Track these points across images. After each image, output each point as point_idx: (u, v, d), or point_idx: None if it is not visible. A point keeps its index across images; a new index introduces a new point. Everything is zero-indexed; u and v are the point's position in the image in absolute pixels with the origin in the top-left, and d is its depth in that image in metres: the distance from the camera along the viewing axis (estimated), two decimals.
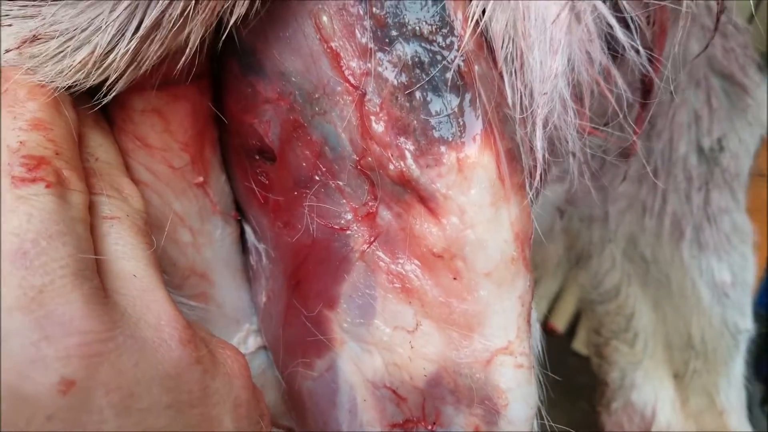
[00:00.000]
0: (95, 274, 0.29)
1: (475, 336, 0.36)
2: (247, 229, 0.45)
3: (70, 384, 0.26)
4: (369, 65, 0.33)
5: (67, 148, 0.31)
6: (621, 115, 0.36)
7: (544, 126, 0.33)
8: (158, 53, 0.30)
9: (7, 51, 0.31)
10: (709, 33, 0.52)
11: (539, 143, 0.32)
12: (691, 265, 0.65)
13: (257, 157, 0.40)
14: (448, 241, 0.35)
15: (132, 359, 0.28)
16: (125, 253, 0.31)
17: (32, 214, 0.28)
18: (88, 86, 0.31)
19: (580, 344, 1.51)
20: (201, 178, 0.38)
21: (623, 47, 0.32)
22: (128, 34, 0.29)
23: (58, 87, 0.31)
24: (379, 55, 0.33)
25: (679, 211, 0.62)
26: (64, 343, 0.26)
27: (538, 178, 0.33)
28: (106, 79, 0.31)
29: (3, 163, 0.29)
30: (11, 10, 0.31)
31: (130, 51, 0.30)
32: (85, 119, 0.35)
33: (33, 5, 0.30)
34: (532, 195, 0.35)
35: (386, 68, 0.33)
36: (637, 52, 0.32)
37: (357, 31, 0.33)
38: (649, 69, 0.33)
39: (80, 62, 0.30)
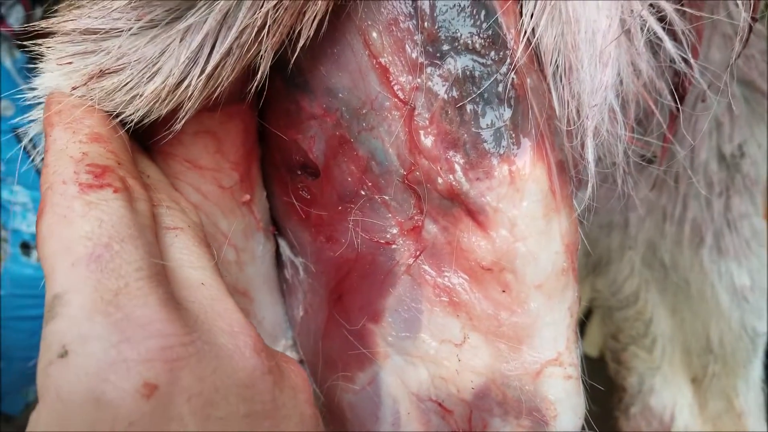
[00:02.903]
0: (167, 281, 0.29)
1: (524, 348, 0.36)
2: (282, 244, 0.45)
3: (153, 388, 0.25)
4: (419, 80, 0.33)
5: (126, 160, 0.31)
6: (665, 126, 0.36)
7: (594, 138, 0.33)
8: (230, 79, 0.30)
9: (75, 88, 0.31)
10: (731, 41, 0.52)
11: (591, 155, 0.33)
12: (710, 270, 0.65)
13: (299, 173, 0.40)
14: (497, 254, 0.35)
15: (210, 366, 0.27)
16: (191, 262, 0.31)
17: (103, 219, 0.27)
18: (157, 116, 0.31)
19: (590, 347, 1.51)
20: (248, 197, 0.38)
21: (672, 59, 0.33)
22: (201, 61, 0.29)
23: (128, 120, 0.31)
24: (430, 69, 0.33)
25: (700, 217, 0.62)
26: (146, 345, 0.25)
27: (589, 191, 0.33)
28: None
29: (68, 172, 0.28)
30: (68, 47, 0.31)
31: (204, 78, 0.30)
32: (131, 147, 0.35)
33: (92, 40, 0.30)
34: (581, 209, 0.35)
35: (436, 83, 0.33)
36: (686, 62, 0.32)
37: (407, 45, 0.33)
38: (699, 78, 0.34)
39: (152, 92, 0.30)
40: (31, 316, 1.17)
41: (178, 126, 0.31)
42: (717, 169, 0.59)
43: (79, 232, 0.27)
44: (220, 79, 0.30)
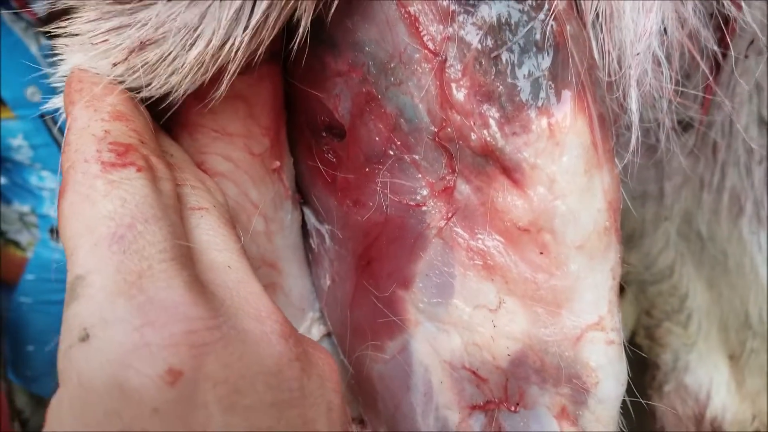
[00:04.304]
0: (192, 263, 0.28)
1: (563, 312, 0.34)
2: (307, 212, 0.44)
3: (177, 374, 0.24)
4: (451, 29, 0.31)
5: (149, 139, 0.30)
6: (711, 78, 0.34)
7: (638, 88, 0.31)
8: (271, 36, 0.29)
9: (115, 65, 0.30)
10: None
11: (635, 106, 0.31)
12: (750, 241, 0.63)
13: (324, 135, 0.38)
14: (535, 213, 0.33)
15: (237, 352, 0.26)
16: (217, 244, 0.30)
17: (126, 198, 0.26)
18: (200, 83, 0.30)
19: None
20: (278, 163, 0.37)
21: (721, 3, 0.30)
22: (243, 20, 0.28)
23: (174, 90, 0.30)
24: (462, 17, 0.31)
25: (739, 186, 0.59)
26: (170, 329, 0.24)
27: (633, 143, 0.31)
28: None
29: (91, 150, 0.28)
30: (100, 25, 0.30)
31: (247, 36, 0.28)
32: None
33: (125, 13, 0.29)
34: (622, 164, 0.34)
35: (469, 31, 0.31)
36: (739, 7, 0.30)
37: None
38: (750, 21, 0.31)
39: (195, 58, 0.28)
40: (61, 300, 1.18)
41: (221, 90, 0.30)
42: (757, 134, 0.56)
43: (102, 212, 0.26)
44: (261, 36, 0.29)
